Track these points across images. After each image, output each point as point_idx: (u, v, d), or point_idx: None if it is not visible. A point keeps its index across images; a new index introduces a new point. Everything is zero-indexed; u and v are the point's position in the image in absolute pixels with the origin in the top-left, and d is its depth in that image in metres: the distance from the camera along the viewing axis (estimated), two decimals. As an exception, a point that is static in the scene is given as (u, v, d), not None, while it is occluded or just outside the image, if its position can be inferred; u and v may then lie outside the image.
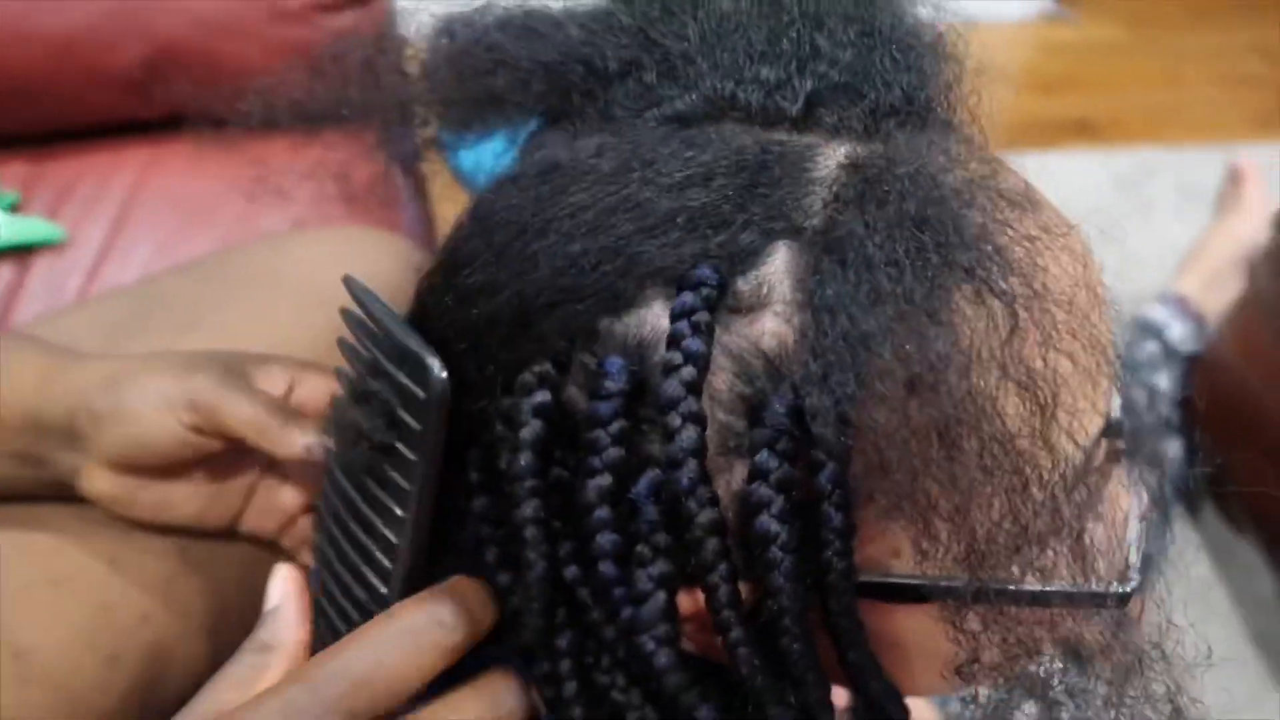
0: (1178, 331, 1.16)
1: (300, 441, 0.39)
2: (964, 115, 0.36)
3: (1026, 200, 0.32)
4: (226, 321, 0.54)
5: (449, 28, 0.39)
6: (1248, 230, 1.24)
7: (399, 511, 0.34)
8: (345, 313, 0.36)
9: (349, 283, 0.36)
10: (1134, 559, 0.34)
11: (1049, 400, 0.29)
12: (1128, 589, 0.33)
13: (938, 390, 0.28)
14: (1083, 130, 1.63)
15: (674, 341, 0.30)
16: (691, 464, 0.29)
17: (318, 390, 0.42)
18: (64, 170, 0.86)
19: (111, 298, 0.61)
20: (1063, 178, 1.43)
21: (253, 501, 0.45)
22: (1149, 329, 1.17)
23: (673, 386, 0.29)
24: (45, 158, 0.87)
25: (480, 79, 0.37)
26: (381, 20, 0.86)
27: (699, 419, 0.29)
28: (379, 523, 0.35)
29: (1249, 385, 1.06)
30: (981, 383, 0.28)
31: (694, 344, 0.29)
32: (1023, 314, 0.29)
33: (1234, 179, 1.34)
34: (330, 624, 0.38)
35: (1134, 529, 0.35)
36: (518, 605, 0.34)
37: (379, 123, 0.42)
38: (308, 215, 0.76)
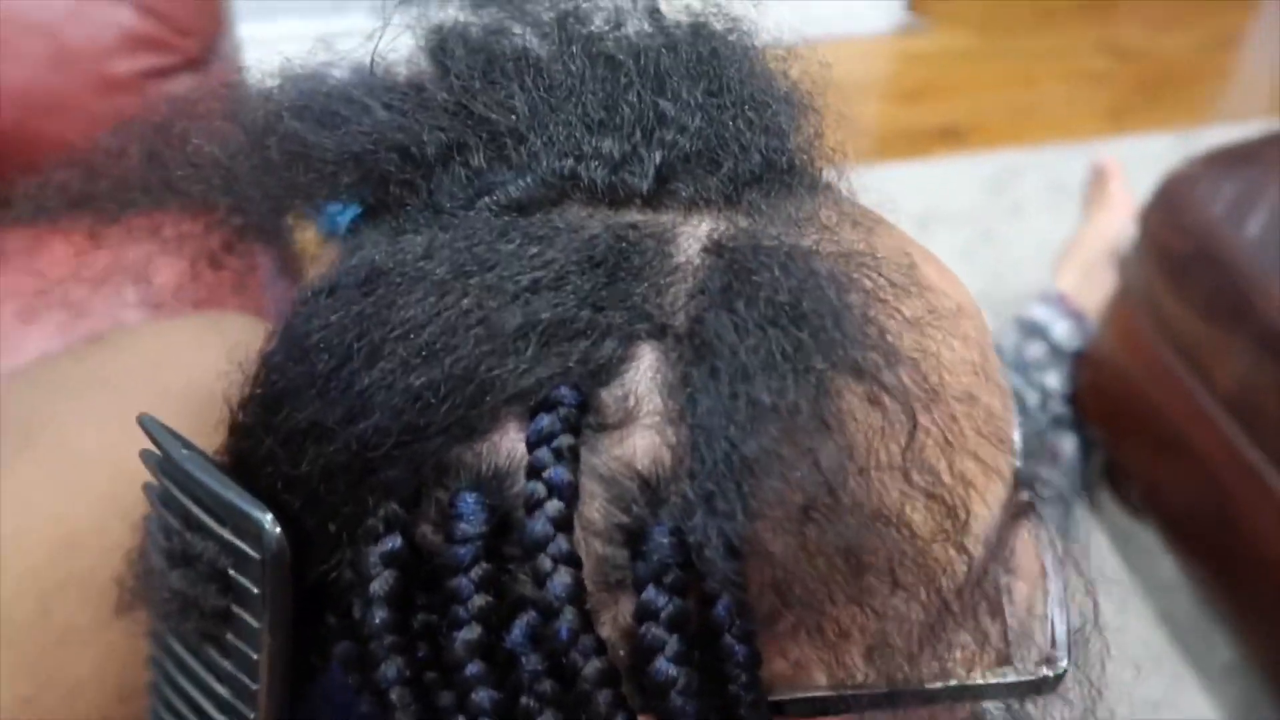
0: (1061, 330, 1.18)
1: None
2: (830, 168, 0.34)
3: (908, 277, 0.29)
4: (66, 434, 0.49)
5: (236, 113, 0.34)
6: (1116, 225, 1.28)
7: (249, 684, 0.30)
8: (146, 455, 0.32)
9: (145, 423, 0.31)
10: (1060, 636, 0.32)
11: (960, 505, 0.27)
12: (1059, 670, 0.31)
13: (837, 510, 0.25)
14: (947, 137, 1.66)
15: (534, 473, 0.26)
16: (569, 612, 0.26)
17: None
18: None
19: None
20: (933, 185, 1.45)
21: None
22: (1034, 329, 1.18)
23: (539, 525, 0.26)
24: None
25: (280, 173, 0.33)
26: (225, 85, 0.80)
27: (573, 560, 0.26)
28: (228, 694, 0.31)
29: (1133, 377, 1.08)
30: (884, 495, 0.26)
31: (557, 474, 0.26)
32: (920, 413, 0.26)
33: (1098, 176, 1.38)
34: None
35: (1055, 601, 0.33)
36: None
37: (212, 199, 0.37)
38: (167, 300, 0.70)
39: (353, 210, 0.35)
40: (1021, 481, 0.31)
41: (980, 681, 0.29)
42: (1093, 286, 1.21)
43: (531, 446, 0.26)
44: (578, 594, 0.26)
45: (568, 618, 0.26)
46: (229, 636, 0.30)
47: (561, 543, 0.26)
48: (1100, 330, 1.15)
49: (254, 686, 0.30)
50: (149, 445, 0.33)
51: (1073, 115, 1.69)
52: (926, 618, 0.27)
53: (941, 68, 1.79)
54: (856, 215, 0.32)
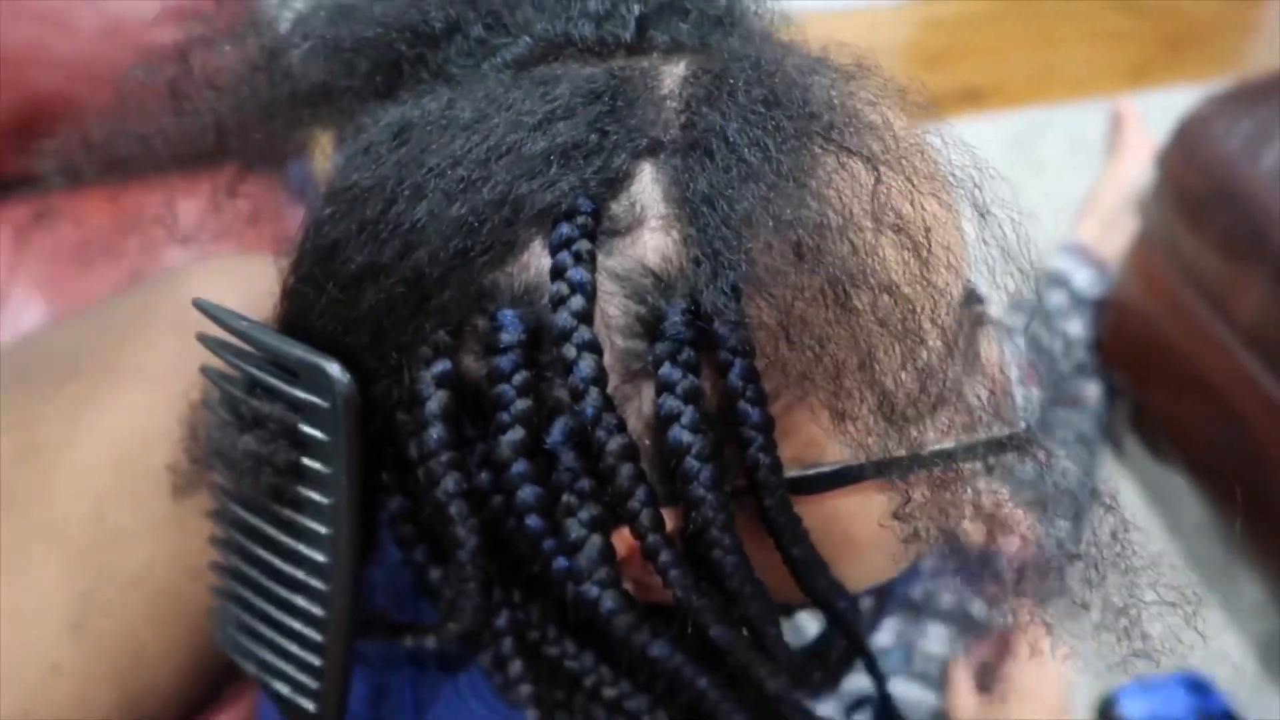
0: (1083, 278, 1.19)
1: None
2: (772, 24, 0.37)
3: (863, 69, 0.33)
4: (106, 363, 0.52)
5: (256, 29, 0.38)
6: (1135, 172, 1.28)
7: (322, 530, 0.32)
8: (203, 338, 0.35)
9: (201, 305, 0.34)
10: (1019, 400, 0.36)
11: (924, 240, 0.30)
12: (1023, 430, 0.34)
13: (822, 251, 0.28)
14: (969, 98, 1.67)
15: (557, 274, 0.30)
16: (593, 393, 0.29)
17: None
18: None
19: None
20: (956, 145, 1.44)
21: None
22: (1055, 279, 1.19)
23: (563, 318, 0.29)
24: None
25: (302, 73, 0.36)
26: (235, 13, 0.83)
27: (594, 346, 0.29)
28: (301, 547, 0.33)
29: (1154, 320, 1.09)
30: (860, 237, 0.29)
31: (577, 273, 0.29)
32: (883, 167, 0.30)
33: (1116, 124, 1.38)
34: (264, 664, 0.36)
35: (1012, 371, 0.36)
36: (452, 596, 0.33)
37: (240, 142, 0.41)
38: (207, 248, 0.74)
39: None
40: (974, 295, 0.35)
41: (967, 441, 0.32)
42: (1113, 235, 1.22)
43: (554, 250, 0.30)
44: (600, 376, 0.29)
45: (592, 398, 0.29)
46: (300, 489, 0.33)
47: (584, 332, 0.29)
48: (1121, 275, 1.16)
49: (327, 531, 0.33)
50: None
51: (1094, 74, 1.69)
52: (912, 358, 0.30)
53: (961, 30, 1.79)
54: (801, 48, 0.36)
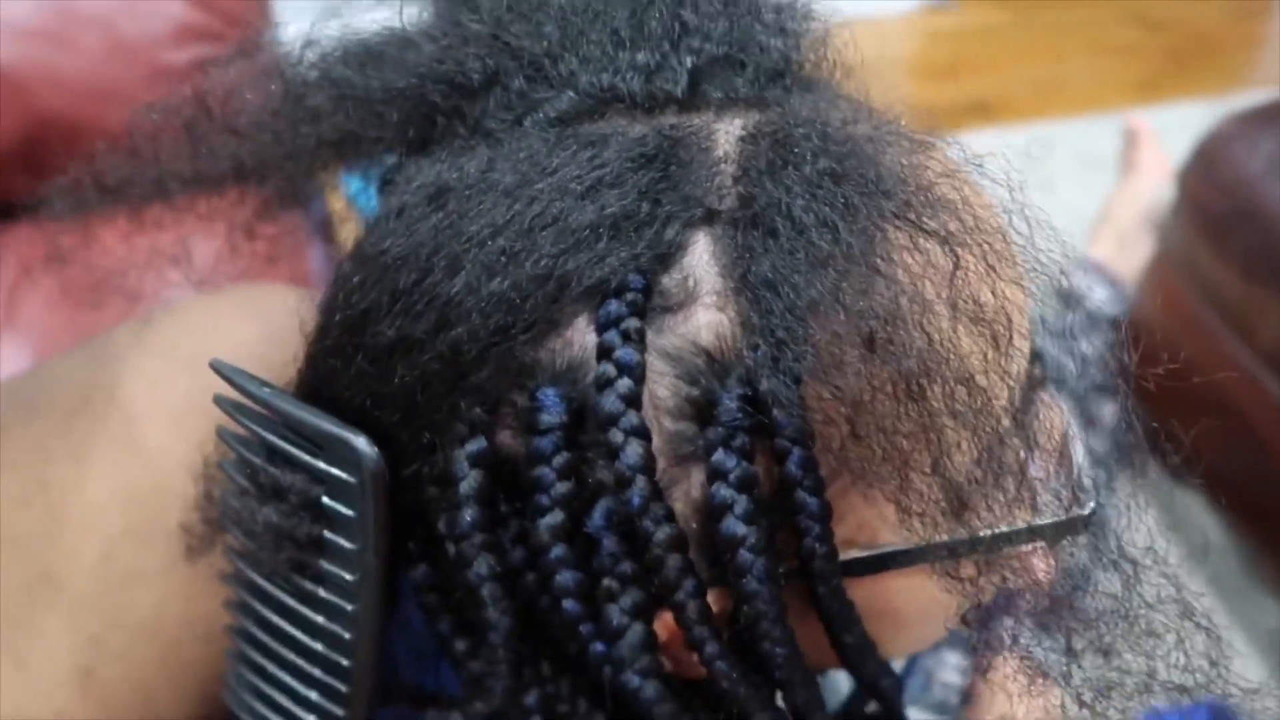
0: (1099, 296, 1.18)
1: None
2: (837, 77, 0.35)
3: (929, 139, 0.32)
4: (117, 398, 0.50)
5: (277, 71, 0.36)
6: (1149, 189, 1.27)
7: (346, 606, 0.31)
8: (220, 400, 0.33)
9: (220, 367, 0.32)
10: (1086, 479, 0.34)
11: (1005, 330, 0.28)
12: (1093, 507, 0.33)
13: (895, 341, 0.27)
14: (978, 112, 1.66)
15: (604, 354, 0.28)
16: (640, 481, 0.27)
17: None
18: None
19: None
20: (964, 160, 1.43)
21: None
22: (1070, 298, 1.18)
23: (610, 401, 0.27)
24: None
25: (327, 119, 0.35)
26: (255, 50, 0.82)
27: (642, 432, 0.28)
28: (321, 619, 0.32)
29: (1174, 341, 1.08)
30: (936, 326, 0.27)
31: (626, 353, 0.28)
32: (961, 249, 0.28)
33: (1130, 140, 1.37)
34: None
35: (1078, 447, 0.34)
36: (479, 671, 0.31)
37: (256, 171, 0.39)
38: (212, 278, 0.72)
39: (372, 188, 0.36)
40: (1037, 357, 0.33)
41: (1027, 525, 0.30)
42: (1129, 253, 1.21)
43: (601, 330, 0.28)
44: (648, 464, 0.28)
45: (639, 486, 0.27)
46: (323, 563, 0.31)
47: (632, 417, 0.27)
48: (1139, 294, 1.15)
49: (352, 608, 0.31)
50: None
51: (1103, 88, 1.68)
52: (985, 449, 0.28)
53: (970, 44, 1.79)
54: (868, 105, 0.34)
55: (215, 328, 0.50)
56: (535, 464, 0.28)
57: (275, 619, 0.34)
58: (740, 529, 0.28)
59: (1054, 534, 0.31)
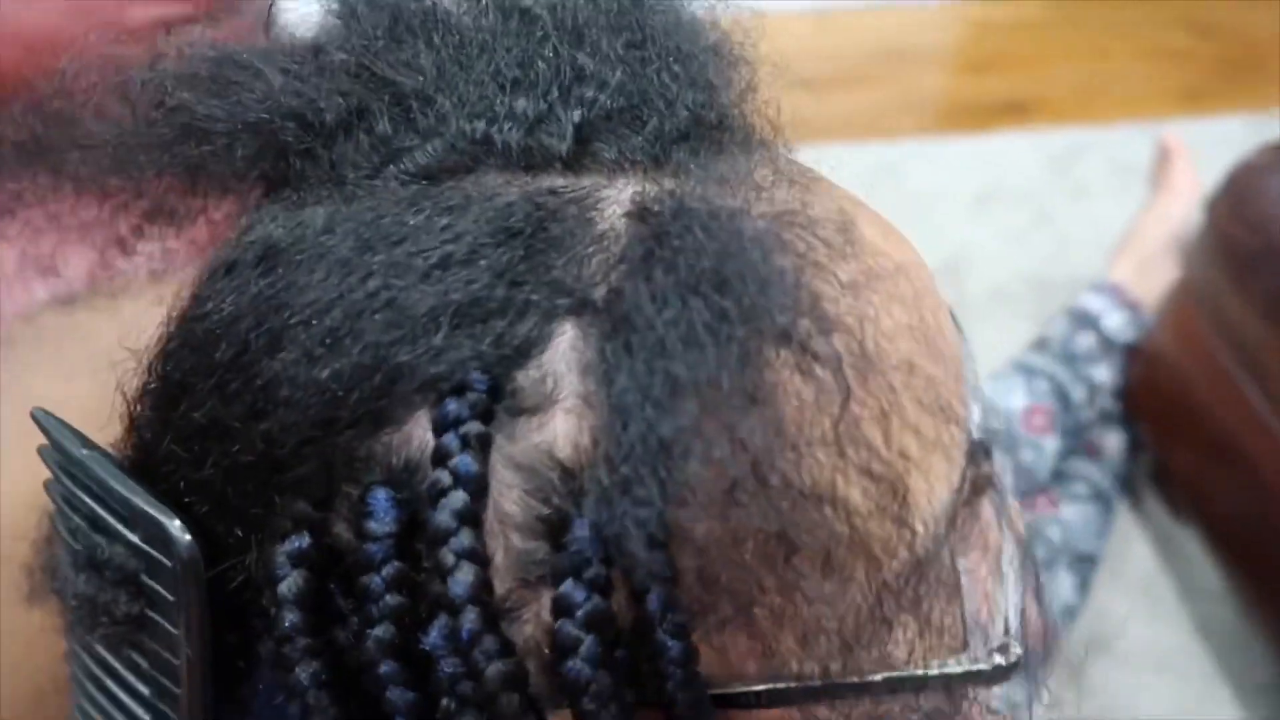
0: (1114, 321, 1.13)
1: None
2: (765, 124, 0.31)
3: (845, 238, 0.27)
4: (30, 390, 0.47)
5: (121, 88, 0.32)
6: (1179, 211, 1.21)
7: (172, 687, 0.28)
8: (45, 453, 0.30)
9: (39, 418, 0.29)
10: (1013, 622, 0.30)
11: (899, 482, 0.25)
12: (1009, 660, 0.29)
13: (764, 491, 0.23)
14: (1013, 111, 1.59)
15: (440, 460, 0.24)
16: (470, 611, 0.24)
17: None
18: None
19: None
20: (994, 161, 1.39)
21: None
22: (1085, 320, 1.13)
23: (442, 518, 0.24)
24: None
25: (173, 149, 0.31)
26: (106, 58, 0.77)
27: (476, 556, 0.24)
28: (150, 694, 0.29)
29: (1187, 375, 1.03)
30: (817, 472, 0.24)
31: (464, 462, 0.24)
32: (855, 383, 0.24)
33: (1162, 157, 1.31)
34: None
35: (1011, 586, 0.30)
36: None
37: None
38: (80, 292, 0.68)
39: None
40: (978, 454, 0.29)
41: (923, 672, 0.27)
42: (1151, 276, 1.15)
43: (438, 433, 0.25)
44: (480, 593, 0.24)
45: (470, 618, 0.24)
46: (146, 640, 0.28)
47: (464, 538, 0.24)
48: (1156, 323, 1.10)
49: (176, 690, 0.28)
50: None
51: (1146, 94, 1.61)
52: (865, 602, 0.25)
53: (1011, 38, 1.72)
54: (793, 173, 0.30)
55: (71, 347, 0.47)
56: (363, 571, 0.25)
57: (108, 682, 0.31)
58: (586, 671, 0.24)
59: (955, 681, 0.28)
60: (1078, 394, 1.10)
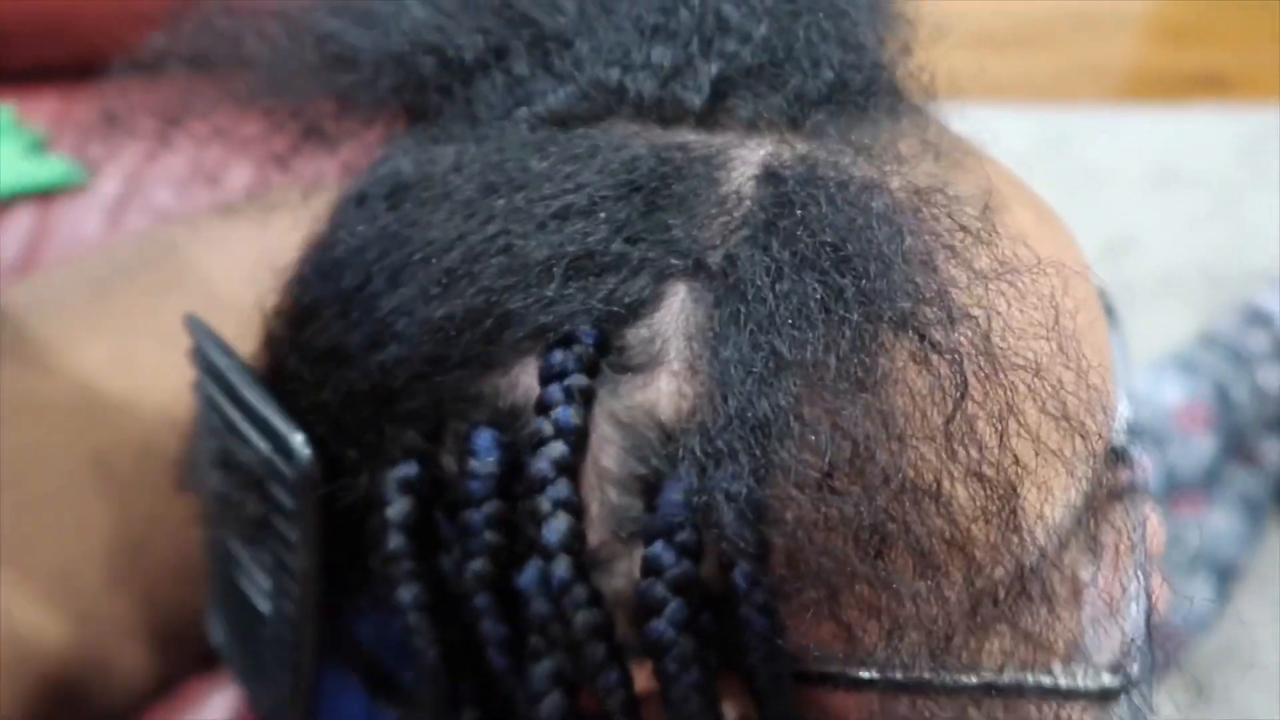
0: (1291, 321, 1.05)
1: None
2: (920, 88, 0.29)
3: (986, 222, 0.25)
4: (211, 278, 0.50)
5: (279, 9, 0.33)
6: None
7: (293, 589, 0.30)
8: (194, 354, 0.31)
9: (190, 324, 0.31)
10: (1130, 648, 0.28)
11: (1010, 489, 0.23)
12: (1115, 683, 0.27)
13: (861, 481, 0.22)
14: (1211, 85, 1.48)
15: (543, 410, 0.24)
16: (562, 560, 0.24)
17: None
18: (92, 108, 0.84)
19: (102, 252, 0.58)
20: (1179, 137, 1.29)
21: None
22: (1259, 318, 1.06)
23: (540, 466, 0.24)
24: (76, 94, 0.84)
25: (321, 76, 0.31)
26: None
27: (571, 506, 0.24)
28: (270, 588, 0.31)
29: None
30: (921, 468, 0.23)
31: (565, 414, 0.24)
32: (973, 379, 0.23)
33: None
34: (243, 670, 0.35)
35: (1136, 602, 0.29)
36: (417, 686, 0.30)
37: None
38: (238, 204, 0.71)
39: None
40: (1116, 461, 0.27)
41: (1017, 682, 0.25)
42: (1341, 278, 1.07)
43: (543, 382, 0.25)
44: (572, 542, 0.24)
45: (561, 565, 0.24)
46: (269, 540, 0.30)
47: (561, 487, 0.24)
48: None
49: (294, 590, 0.30)
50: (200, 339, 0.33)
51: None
52: (960, 605, 0.24)
53: (1218, 6, 1.59)
54: (943, 145, 0.28)
55: (224, 257, 0.48)
56: (463, 507, 0.26)
57: (235, 573, 0.33)
58: (669, 634, 0.24)
59: (1048, 696, 0.26)
60: (1240, 394, 1.03)
